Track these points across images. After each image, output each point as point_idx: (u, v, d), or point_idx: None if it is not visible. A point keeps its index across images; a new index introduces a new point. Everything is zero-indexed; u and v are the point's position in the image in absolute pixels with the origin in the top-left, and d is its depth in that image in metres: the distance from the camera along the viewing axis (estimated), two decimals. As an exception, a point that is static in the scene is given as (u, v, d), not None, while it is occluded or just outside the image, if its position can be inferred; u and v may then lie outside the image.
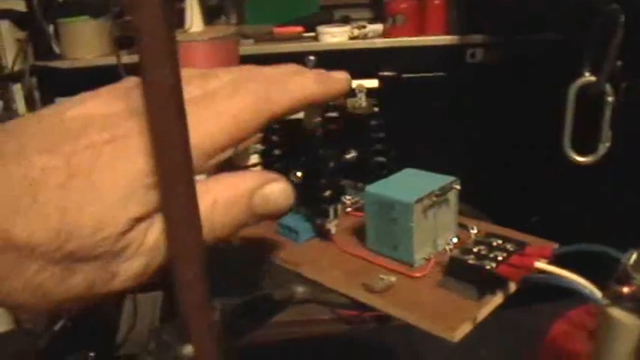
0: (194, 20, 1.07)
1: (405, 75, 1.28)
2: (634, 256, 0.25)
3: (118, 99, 0.30)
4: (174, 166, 0.29)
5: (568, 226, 1.05)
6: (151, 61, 0.29)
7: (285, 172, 0.44)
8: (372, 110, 0.54)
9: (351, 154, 0.47)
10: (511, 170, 1.20)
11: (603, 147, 0.92)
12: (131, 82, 0.32)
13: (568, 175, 1.03)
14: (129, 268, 0.28)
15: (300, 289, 0.38)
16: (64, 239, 0.26)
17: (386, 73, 1.27)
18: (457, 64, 1.30)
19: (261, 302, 0.43)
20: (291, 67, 0.37)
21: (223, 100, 0.31)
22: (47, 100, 1.43)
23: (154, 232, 0.29)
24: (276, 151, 0.47)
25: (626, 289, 0.25)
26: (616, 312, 0.26)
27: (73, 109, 0.29)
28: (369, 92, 0.68)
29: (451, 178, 0.40)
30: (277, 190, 0.31)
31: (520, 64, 1.23)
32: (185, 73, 0.36)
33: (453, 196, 0.41)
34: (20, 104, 1.52)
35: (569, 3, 1.04)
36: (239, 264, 0.46)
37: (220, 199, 0.30)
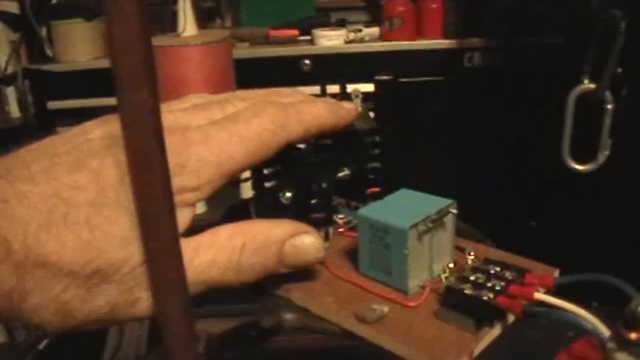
0: (187, 24, 1.05)
1: (401, 79, 1.27)
2: (642, 303, 0.24)
3: None
4: (152, 194, 0.28)
5: (567, 233, 1.04)
6: (128, 82, 0.27)
7: (276, 191, 0.43)
8: (367, 126, 0.53)
9: (344, 172, 0.45)
10: (509, 175, 1.19)
11: (603, 155, 0.91)
12: None
13: (567, 182, 1.01)
14: (151, 298, 0.28)
15: (289, 316, 0.37)
16: (93, 256, 0.26)
17: (382, 77, 1.25)
18: (455, 69, 1.28)
19: (248, 330, 0.42)
20: (304, 96, 0.39)
21: (243, 124, 0.32)
22: (40, 103, 1.41)
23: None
24: (267, 170, 0.45)
25: (634, 335, 0.23)
26: (623, 357, 0.24)
27: (98, 130, 0.30)
28: (366, 97, 0.67)
29: (448, 201, 0.39)
30: (308, 242, 0.33)
31: (519, 68, 1.21)
32: (203, 99, 0.38)
33: (449, 220, 0.39)
34: (13, 107, 1.50)
35: (569, 8, 1.02)
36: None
37: (250, 243, 0.31)
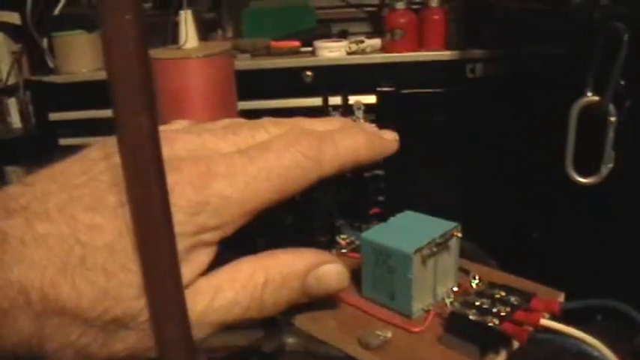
0: (189, 36, 1.05)
1: (403, 90, 1.26)
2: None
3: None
4: (151, 221, 0.27)
5: (571, 246, 1.03)
6: (127, 107, 0.27)
7: (277, 213, 0.42)
8: None
9: (346, 193, 0.45)
10: (512, 186, 1.18)
11: (606, 168, 0.91)
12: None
13: (571, 194, 1.01)
14: None
15: (290, 340, 0.36)
16: (109, 305, 0.25)
17: (384, 89, 1.25)
18: (457, 80, 1.28)
19: (249, 355, 0.41)
20: (341, 123, 0.36)
21: (274, 156, 0.30)
22: (41, 114, 1.41)
23: (200, 301, 0.28)
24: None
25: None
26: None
27: (115, 157, 0.28)
28: (367, 108, 0.66)
29: (452, 224, 0.38)
30: (332, 272, 0.32)
31: (521, 79, 1.21)
32: (233, 123, 0.35)
33: (453, 244, 0.39)
34: (15, 118, 1.50)
35: (572, 20, 1.02)
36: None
37: (273, 278, 0.30)
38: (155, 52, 1.05)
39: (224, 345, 0.41)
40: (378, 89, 1.27)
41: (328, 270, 0.32)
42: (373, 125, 0.40)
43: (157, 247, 0.27)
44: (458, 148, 1.27)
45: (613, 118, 0.90)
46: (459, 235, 0.38)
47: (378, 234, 0.38)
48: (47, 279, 0.24)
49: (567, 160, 0.93)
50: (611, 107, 0.90)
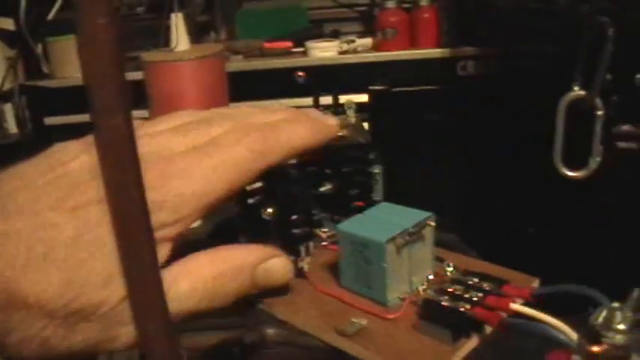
0: (180, 39, 1.06)
1: (395, 89, 1.27)
2: (603, 314, 0.24)
3: None
4: (130, 217, 0.28)
5: (563, 240, 1.04)
6: (104, 109, 0.28)
7: (258, 207, 0.43)
8: (361, 137, 0.53)
9: (327, 187, 0.46)
10: (505, 183, 1.19)
11: (594, 161, 0.91)
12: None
13: (562, 190, 1.01)
14: (129, 333, 0.28)
15: (271, 331, 0.37)
16: (72, 296, 0.26)
17: (376, 87, 1.26)
18: (449, 77, 1.29)
19: (231, 346, 0.42)
20: (285, 112, 0.38)
21: (226, 152, 0.32)
22: (37, 119, 1.42)
23: None
24: (250, 187, 0.45)
25: (596, 349, 0.24)
26: (588, 372, 0.24)
27: (81, 157, 0.29)
28: (360, 107, 0.67)
29: (426, 214, 0.39)
30: (279, 265, 0.35)
31: (512, 76, 1.22)
32: (189, 117, 0.37)
33: (428, 233, 0.39)
34: (11, 123, 1.51)
35: (560, 16, 1.03)
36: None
37: (225, 271, 0.32)
38: (147, 56, 1.06)
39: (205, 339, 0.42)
40: (370, 88, 1.28)
41: (275, 263, 0.34)
42: (317, 111, 0.42)
43: (136, 243, 0.28)
44: (450, 145, 1.28)
45: (600, 112, 0.91)
46: (433, 224, 0.39)
47: (354, 225, 0.39)
48: (12, 273, 0.25)
49: (556, 155, 0.94)
50: (599, 101, 0.90)
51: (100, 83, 0.28)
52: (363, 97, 1.27)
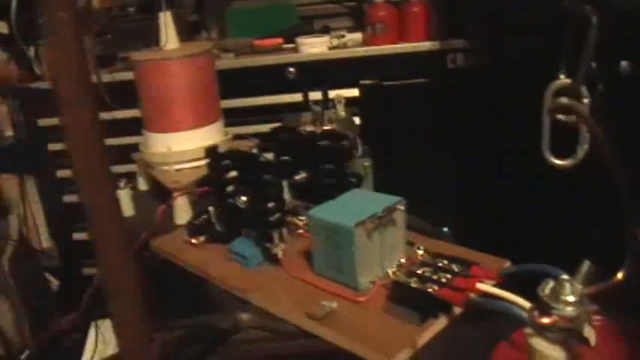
0: (169, 38, 1.06)
1: (386, 82, 1.28)
2: (549, 286, 0.24)
3: None
4: (97, 189, 0.30)
5: (554, 228, 1.04)
6: (67, 98, 0.29)
7: (233, 196, 0.44)
8: (350, 130, 0.53)
9: (301, 175, 0.46)
10: (496, 175, 1.19)
11: (582, 150, 0.91)
12: None
13: (552, 179, 1.02)
14: None
15: (245, 317, 0.37)
16: None
17: (366, 82, 1.26)
18: (438, 70, 1.29)
19: (204, 332, 0.42)
20: None
21: None
22: (31, 120, 1.42)
23: None
24: (227, 175, 0.46)
25: (546, 320, 0.24)
26: (539, 343, 0.25)
27: None
28: (351, 101, 0.67)
29: (396, 199, 0.39)
30: None
31: (501, 68, 1.22)
32: None
33: (399, 217, 0.40)
34: (7, 126, 1.52)
35: (545, 7, 1.03)
36: (188, 289, 0.45)
37: None
38: (136, 55, 1.06)
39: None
40: (361, 82, 1.29)
41: None
42: None
43: (100, 208, 0.30)
44: (441, 137, 1.28)
45: (586, 100, 0.91)
46: (402, 208, 0.39)
47: (325, 211, 0.39)
48: None
49: (544, 144, 0.94)
50: (584, 90, 0.90)
51: (63, 73, 0.29)
52: (354, 92, 1.27)
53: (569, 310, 0.23)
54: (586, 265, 0.25)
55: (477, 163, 1.23)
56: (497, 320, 0.35)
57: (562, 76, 0.94)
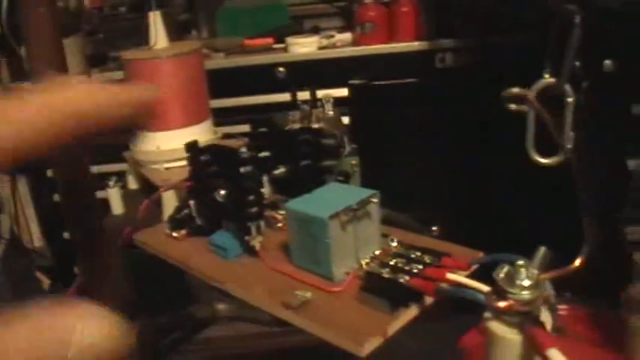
0: (158, 37, 1.07)
1: (375, 82, 1.29)
2: (503, 271, 0.25)
3: None
4: None
5: (544, 226, 1.05)
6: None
7: (212, 190, 0.45)
8: (337, 130, 0.54)
9: (280, 170, 0.47)
10: (484, 174, 1.20)
11: (566, 148, 0.93)
12: None
13: (539, 177, 1.03)
14: None
15: (222, 307, 0.38)
16: None
17: (356, 82, 1.27)
18: (427, 70, 1.30)
19: (183, 321, 0.43)
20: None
21: None
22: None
23: None
24: (207, 170, 0.47)
25: (502, 304, 0.25)
26: (496, 326, 0.26)
27: None
28: (341, 101, 0.68)
29: (370, 192, 0.40)
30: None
31: (489, 67, 1.23)
32: None
33: (373, 210, 0.41)
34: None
35: (531, 7, 1.05)
36: (167, 281, 0.46)
37: None
38: (126, 54, 1.07)
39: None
40: (350, 82, 1.30)
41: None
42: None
43: None
44: (429, 137, 1.29)
45: (570, 99, 0.92)
46: (376, 201, 0.40)
47: (301, 203, 0.40)
48: None
49: (528, 142, 0.95)
50: (568, 88, 0.92)
51: (44, 67, 0.30)
52: (343, 92, 1.28)
53: (525, 294, 0.24)
54: (542, 251, 0.26)
55: (466, 162, 1.24)
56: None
57: (547, 75, 0.96)
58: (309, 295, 0.37)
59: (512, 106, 0.28)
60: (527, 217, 1.10)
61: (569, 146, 1.01)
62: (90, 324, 0.22)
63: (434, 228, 1.31)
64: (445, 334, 0.25)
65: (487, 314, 0.27)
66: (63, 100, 0.26)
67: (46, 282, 1.59)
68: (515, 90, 0.27)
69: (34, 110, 0.25)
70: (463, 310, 0.35)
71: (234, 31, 1.44)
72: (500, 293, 0.25)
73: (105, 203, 1.10)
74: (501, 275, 0.25)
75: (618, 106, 0.98)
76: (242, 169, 0.43)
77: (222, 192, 0.43)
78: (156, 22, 1.07)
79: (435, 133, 1.28)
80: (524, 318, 0.25)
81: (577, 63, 0.96)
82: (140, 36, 1.30)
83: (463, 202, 1.26)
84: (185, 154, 0.49)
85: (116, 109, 0.27)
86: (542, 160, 1.01)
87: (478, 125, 1.22)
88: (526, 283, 0.25)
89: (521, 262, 0.26)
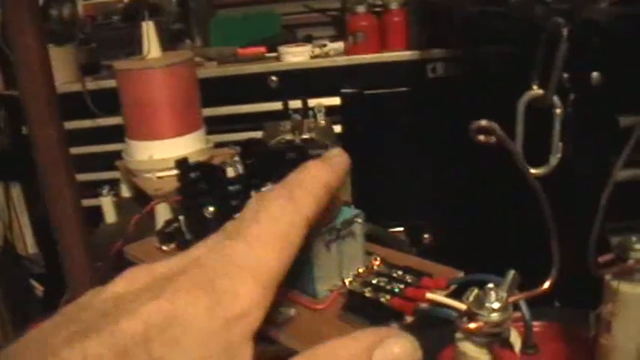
0: (151, 47, 1.08)
1: (366, 91, 1.30)
2: (473, 294, 0.26)
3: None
4: (62, 209, 0.31)
5: (533, 237, 1.06)
6: (36, 121, 0.31)
7: (201, 207, 0.45)
8: (329, 140, 0.55)
9: (268, 187, 0.48)
10: (475, 184, 1.22)
11: (555, 158, 0.94)
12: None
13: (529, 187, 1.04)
14: None
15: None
16: None
17: (347, 91, 1.29)
18: (418, 79, 1.32)
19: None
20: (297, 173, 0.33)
21: (263, 226, 0.30)
22: (15, 128, 1.44)
23: None
24: (196, 187, 0.48)
25: (472, 326, 0.26)
26: (467, 347, 0.27)
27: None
28: (332, 110, 0.69)
29: (354, 212, 0.41)
30: (397, 350, 0.26)
31: (479, 77, 1.25)
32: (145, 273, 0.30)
33: (357, 229, 0.42)
34: (-8, 134, 1.53)
35: (519, 18, 1.06)
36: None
37: None
38: (119, 64, 1.08)
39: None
40: (342, 91, 1.31)
41: (393, 350, 0.26)
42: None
43: (70, 241, 0.31)
44: (421, 146, 1.30)
45: (558, 110, 0.93)
46: (360, 221, 0.41)
47: (285, 223, 0.41)
48: None
49: (517, 153, 0.96)
50: (556, 100, 0.93)
51: (33, 99, 0.31)
52: (335, 100, 1.29)
53: (494, 316, 0.26)
54: (511, 274, 0.27)
55: (457, 172, 1.25)
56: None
57: (535, 87, 0.97)
58: (292, 312, 0.38)
59: (481, 138, 0.29)
60: (516, 224, 1.11)
61: (558, 155, 1.02)
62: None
63: (425, 236, 1.33)
64: (425, 349, 0.26)
65: (458, 335, 0.28)
66: (315, 179, 0.31)
67: (39, 289, 1.60)
68: (483, 122, 0.28)
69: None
70: (445, 322, 0.36)
71: (227, 41, 1.45)
72: (470, 315, 0.27)
73: (98, 211, 1.11)
74: (471, 298, 0.27)
75: (606, 117, 0.99)
76: (230, 188, 0.44)
77: (211, 209, 0.44)
78: (149, 31, 1.08)
79: (426, 142, 1.29)
80: (494, 339, 0.26)
81: (565, 75, 0.97)
82: (133, 45, 1.31)
83: (454, 211, 1.27)
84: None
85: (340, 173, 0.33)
86: (532, 171, 1.03)
87: (468, 135, 1.23)
88: (495, 305, 0.26)
89: (490, 286, 0.27)
